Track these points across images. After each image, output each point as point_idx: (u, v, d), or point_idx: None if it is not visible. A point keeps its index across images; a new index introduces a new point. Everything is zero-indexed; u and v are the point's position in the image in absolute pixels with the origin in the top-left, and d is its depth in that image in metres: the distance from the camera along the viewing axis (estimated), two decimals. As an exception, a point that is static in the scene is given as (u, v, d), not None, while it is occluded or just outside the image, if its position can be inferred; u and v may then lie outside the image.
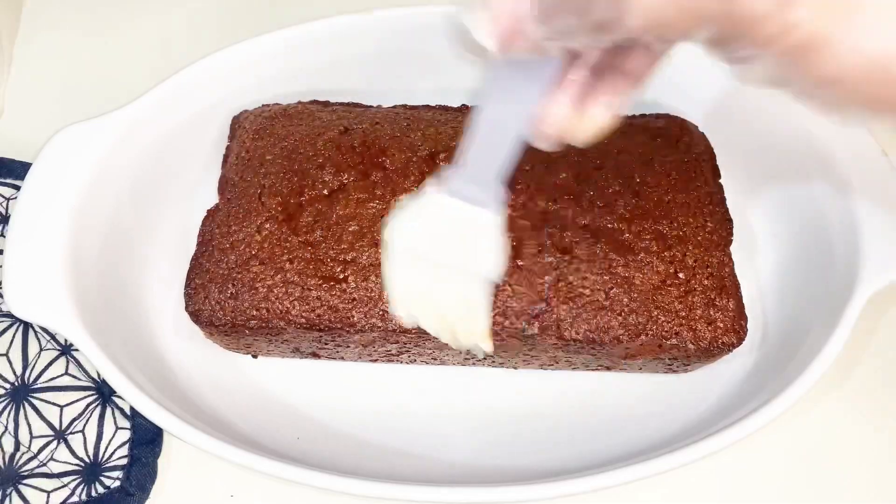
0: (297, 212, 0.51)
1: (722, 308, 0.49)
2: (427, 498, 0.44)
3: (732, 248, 0.52)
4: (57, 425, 0.50)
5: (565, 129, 0.35)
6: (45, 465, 0.49)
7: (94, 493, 0.48)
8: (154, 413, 0.45)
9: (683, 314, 0.49)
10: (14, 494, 0.48)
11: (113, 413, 0.51)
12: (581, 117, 0.35)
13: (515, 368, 0.54)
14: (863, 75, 0.29)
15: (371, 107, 0.58)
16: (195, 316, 0.50)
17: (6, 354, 0.52)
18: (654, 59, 0.35)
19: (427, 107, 0.58)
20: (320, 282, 0.49)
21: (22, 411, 0.50)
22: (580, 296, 0.49)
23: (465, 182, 0.39)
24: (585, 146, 0.36)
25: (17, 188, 0.58)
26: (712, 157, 0.56)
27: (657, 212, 0.51)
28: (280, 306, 0.49)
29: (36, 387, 0.51)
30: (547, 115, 0.35)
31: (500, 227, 0.40)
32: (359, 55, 0.60)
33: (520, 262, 0.49)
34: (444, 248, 0.41)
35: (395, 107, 0.58)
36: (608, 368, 0.53)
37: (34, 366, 0.52)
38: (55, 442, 0.50)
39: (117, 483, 0.49)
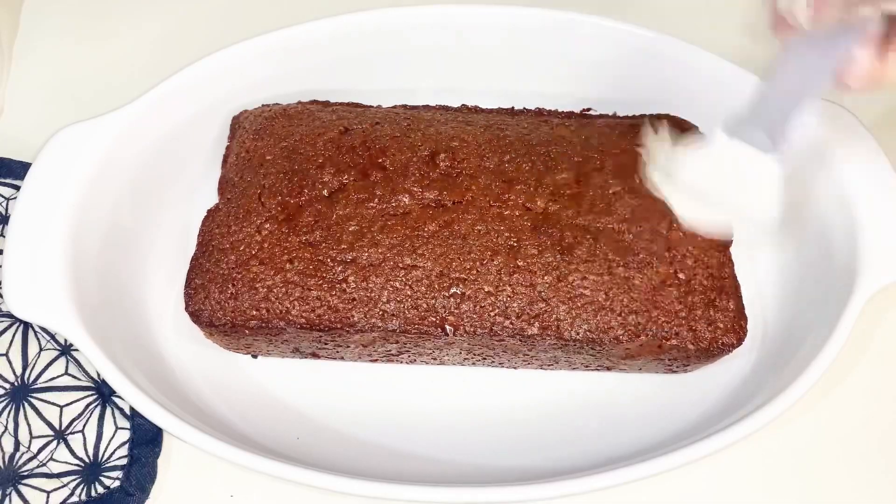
0: (297, 212, 0.51)
1: (722, 308, 0.49)
2: (427, 498, 0.44)
3: (732, 249, 0.52)
4: (57, 425, 0.50)
5: (869, 79, 0.40)
6: (44, 465, 0.49)
7: (93, 493, 0.48)
8: (154, 413, 0.45)
9: (683, 314, 0.49)
10: (14, 494, 0.48)
11: (113, 413, 0.51)
12: (884, 66, 0.39)
13: (515, 368, 0.54)
14: None
15: (371, 107, 0.58)
16: (195, 316, 0.50)
17: (6, 354, 0.52)
18: None
19: (427, 107, 0.58)
20: (320, 282, 0.49)
21: (22, 411, 0.50)
22: (580, 296, 0.49)
23: (756, 128, 0.44)
24: (890, 90, 0.41)
25: (17, 188, 0.58)
26: (712, 157, 0.56)
27: (657, 212, 0.51)
28: (280, 306, 0.49)
29: (36, 387, 0.51)
30: (852, 68, 0.40)
31: (780, 175, 0.45)
32: (359, 55, 0.60)
33: (520, 263, 0.49)
34: (724, 188, 0.46)
35: (395, 107, 0.58)
36: (608, 368, 0.53)
37: (34, 366, 0.52)
38: (55, 442, 0.50)
39: (117, 483, 0.49)
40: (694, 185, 0.47)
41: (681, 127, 0.56)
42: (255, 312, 0.49)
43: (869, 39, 0.39)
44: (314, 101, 0.58)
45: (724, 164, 0.45)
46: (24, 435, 0.50)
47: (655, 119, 0.57)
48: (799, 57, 0.42)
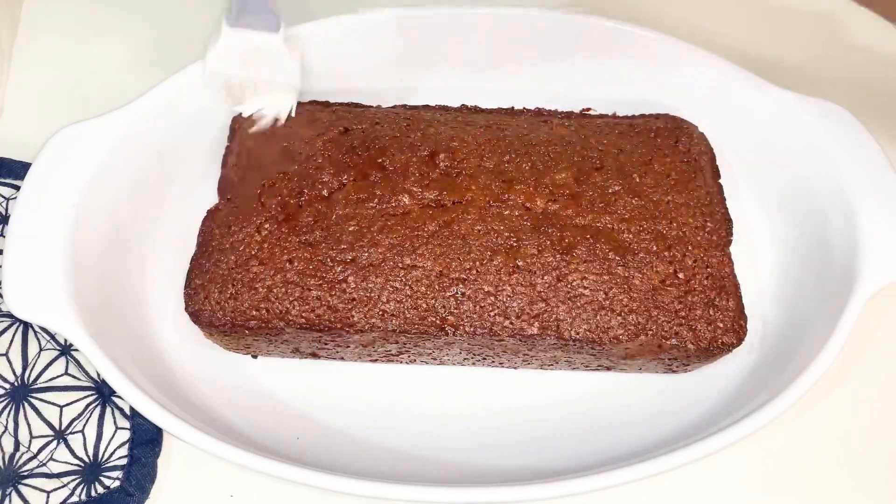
0: (297, 212, 0.51)
1: (722, 308, 0.49)
2: (427, 498, 0.44)
3: (732, 248, 0.52)
4: (57, 425, 0.50)
5: None
6: (44, 465, 0.49)
7: (93, 493, 0.48)
8: (154, 413, 0.45)
9: (683, 314, 0.49)
10: (14, 494, 0.48)
11: (113, 413, 0.51)
12: None
13: (515, 368, 0.54)
14: None
15: (371, 107, 0.58)
16: (195, 316, 0.50)
17: (6, 354, 0.52)
18: None
19: (427, 107, 0.58)
20: (320, 282, 0.49)
21: (22, 411, 0.50)
22: (580, 296, 0.49)
23: (246, 13, 0.52)
24: None
25: (17, 188, 0.58)
26: (712, 157, 0.56)
27: (657, 212, 0.51)
28: (280, 306, 0.49)
29: (36, 387, 0.51)
30: None
31: (284, 44, 0.53)
32: (359, 55, 0.60)
33: (519, 262, 0.49)
34: (247, 71, 0.53)
35: (395, 107, 0.58)
36: (608, 368, 0.53)
37: (34, 366, 0.52)
38: (55, 442, 0.50)
39: (117, 483, 0.49)
40: (223, 76, 0.53)
41: (681, 127, 0.56)
42: (254, 312, 0.49)
43: None
44: (314, 102, 0.58)
45: (236, 51, 0.52)
46: (24, 435, 0.50)
47: (652, 119, 0.57)
48: None
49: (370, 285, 0.49)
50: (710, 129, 0.57)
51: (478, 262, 0.49)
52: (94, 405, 0.51)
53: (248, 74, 0.53)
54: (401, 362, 0.54)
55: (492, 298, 0.49)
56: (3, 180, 0.58)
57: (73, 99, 0.65)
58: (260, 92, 0.54)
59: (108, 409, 0.51)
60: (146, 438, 0.50)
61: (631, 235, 0.50)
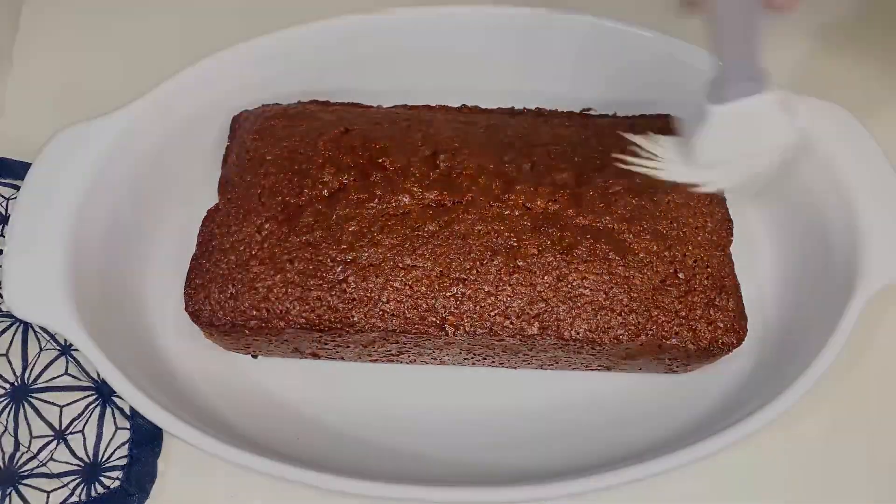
0: (297, 212, 0.51)
1: (722, 308, 0.49)
2: (427, 498, 0.44)
3: (732, 248, 0.52)
4: (57, 425, 0.50)
5: None
6: (44, 465, 0.49)
7: (93, 494, 0.48)
8: (154, 413, 0.45)
9: (683, 314, 0.49)
10: (14, 494, 0.48)
11: (113, 413, 0.51)
12: None
13: (515, 368, 0.54)
14: None
15: (371, 107, 0.58)
16: (195, 316, 0.50)
17: (6, 354, 0.52)
18: None
19: (427, 107, 0.58)
20: (320, 282, 0.49)
21: (22, 411, 0.50)
22: (580, 296, 0.49)
23: (733, 82, 0.43)
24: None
25: (17, 188, 0.58)
26: (712, 157, 0.56)
27: (657, 212, 0.51)
28: (280, 306, 0.49)
29: (36, 387, 0.51)
30: None
31: (777, 97, 0.44)
32: (359, 55, 0.60)
33: (520, 262, 0.49)
34: (746, 146, 0.45)
35: (395, 107, 0.58)
36: (608, 368, 0.53)
37: (34, 366, 0.52)
38: (55, 442, 0.50)
39: (117, 483, 0.49)
40: (715, 160, 0.46)
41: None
42: (254, 312, 0.49)
43: None
44: (314, 101, 0.58)
45: (731, 128, 0.45)
46: (24, 435, 0.50)
47: (652, 119, 0.57)
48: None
49: (370, 285, 0.49)
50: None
51: (478, 262, 0.49)
52: (94, 405, 0.51)
53: (743, 150, 0.46)
54: (401, 362, 0.54)
55: (492, 298, 0.49)
56: (3, 180, 0.58)
57: (73, 99, 0.64)
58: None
59: (108, 409, 0.51)
60: (146, 438, 0.50)
61: (631, 235, 0.50)
